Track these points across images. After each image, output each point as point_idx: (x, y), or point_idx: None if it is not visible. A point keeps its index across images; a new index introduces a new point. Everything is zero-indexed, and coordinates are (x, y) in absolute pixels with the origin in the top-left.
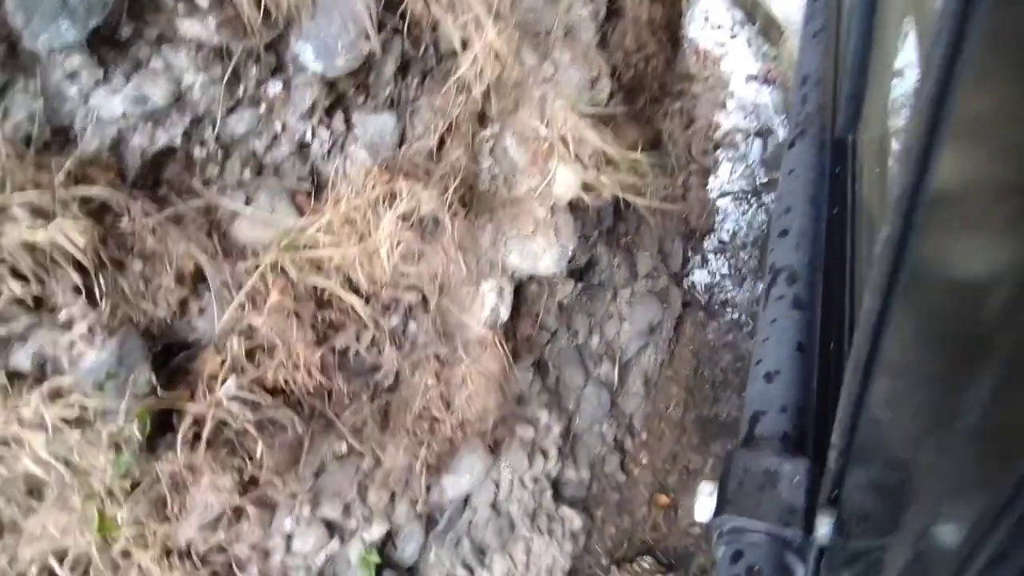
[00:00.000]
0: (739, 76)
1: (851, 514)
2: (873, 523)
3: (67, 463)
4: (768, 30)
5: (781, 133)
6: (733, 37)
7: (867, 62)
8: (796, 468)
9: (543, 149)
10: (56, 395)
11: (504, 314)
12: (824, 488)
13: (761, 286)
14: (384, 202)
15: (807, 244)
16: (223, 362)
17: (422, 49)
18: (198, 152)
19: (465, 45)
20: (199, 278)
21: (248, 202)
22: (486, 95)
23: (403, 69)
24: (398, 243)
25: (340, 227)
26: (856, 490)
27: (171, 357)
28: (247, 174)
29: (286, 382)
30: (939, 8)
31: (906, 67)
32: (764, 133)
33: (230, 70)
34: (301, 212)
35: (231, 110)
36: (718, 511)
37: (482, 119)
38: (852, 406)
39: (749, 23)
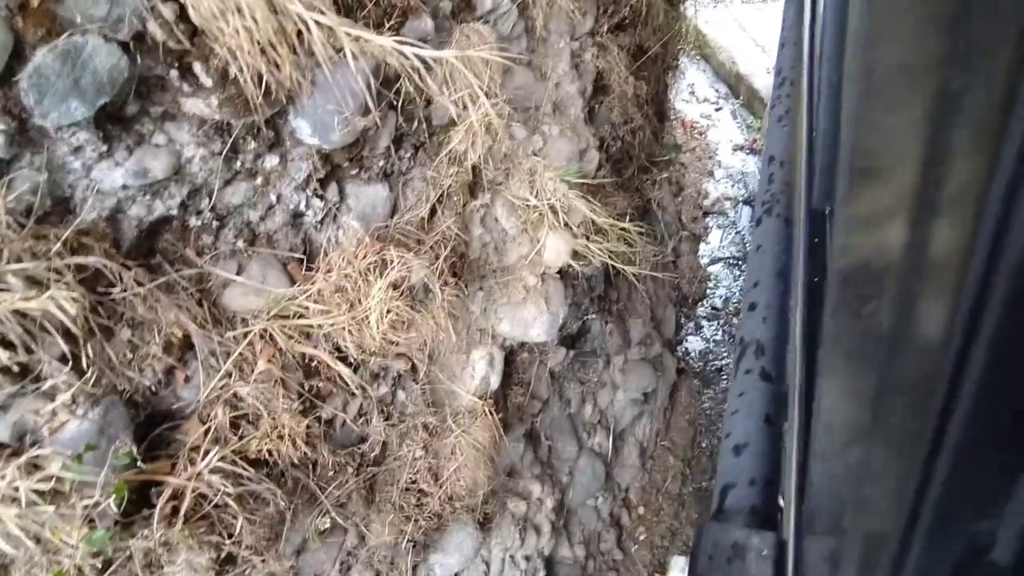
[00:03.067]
0: (726, 146)
1: None
2: None
3: (37, 539)
4: (751, 103)
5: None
6: (718, 110)
7: (839, 133)
8: (764, 541)
9: (533, 218)
10: (33, 467)
11: (495, 383)
12: (789, 560)
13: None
14: (375, 271)
15: (774, 318)
16: (207, 432)
17: (415, 124)
18: (194, 222)
19: (456, 120)
20: (187, 346)
21: (240, 271)
22: (477, 167)
23: (397, 142)
24: (388, 311)
25: (331, 296)
26: (816, 562)
27: (154, 427)
28: (240, 243)
29: (270, 453)
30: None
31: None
32: (751, 201)
33: (229, 144)
34: (293, 280)
35: (228, 182)
36: None
37: (473, 189)
38: (797, 478)
39: (733, 96)
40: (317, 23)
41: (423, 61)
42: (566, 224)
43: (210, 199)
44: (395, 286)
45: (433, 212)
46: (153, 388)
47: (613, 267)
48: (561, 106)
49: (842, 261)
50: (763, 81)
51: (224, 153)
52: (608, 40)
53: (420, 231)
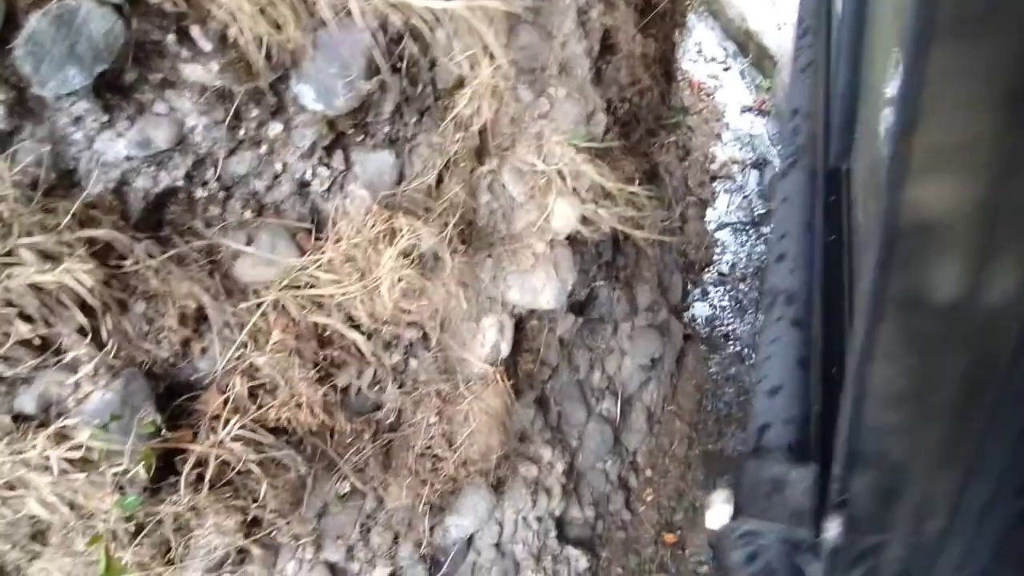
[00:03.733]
0: (734, 108)
1: (858, 515)
2: (876, 523)
3: (72, 506)
4: (761, 62)
5: (777, 163)
6: (726, 69)
7: (856, 93)
8: (803, 474)
9: (541, 184)
10: (62, 437)
11: (505, 350)
12: (831, 492)
13: (762, 317)
14: (384, 239)
15: (803, 267)
16: (226, 402)
17: (420, 87)
18: (200, 193)
19: (462, 83)
20: (201, 318)
21: (249, 242)
22: (483, 132)
23: (402, 107)
24: (399, 280)
25: (341, 265)
26: (861, 493)
27: (174, 398)
28: (248, 214)
29: (288, 421)
30: (903, 43)
31: (894, 97)
32: (760, 164)
33: (232, 112)
34: (302, 251)
35: (232, 151)
36: (733, 516)
37: (480, 155)
38: (852, 419)
39: (742, 55)
40: None
41: (432, 13)
42: (574, 189)
43: (215, 169)
44: (405, 254)
45: (440, 179)
46: (171, 360)
47: (622, 233)
48: (567, 67)
49: (892, 216)
50: (773, 38)
51: (227, 121)
52: None
53: (428, 198)
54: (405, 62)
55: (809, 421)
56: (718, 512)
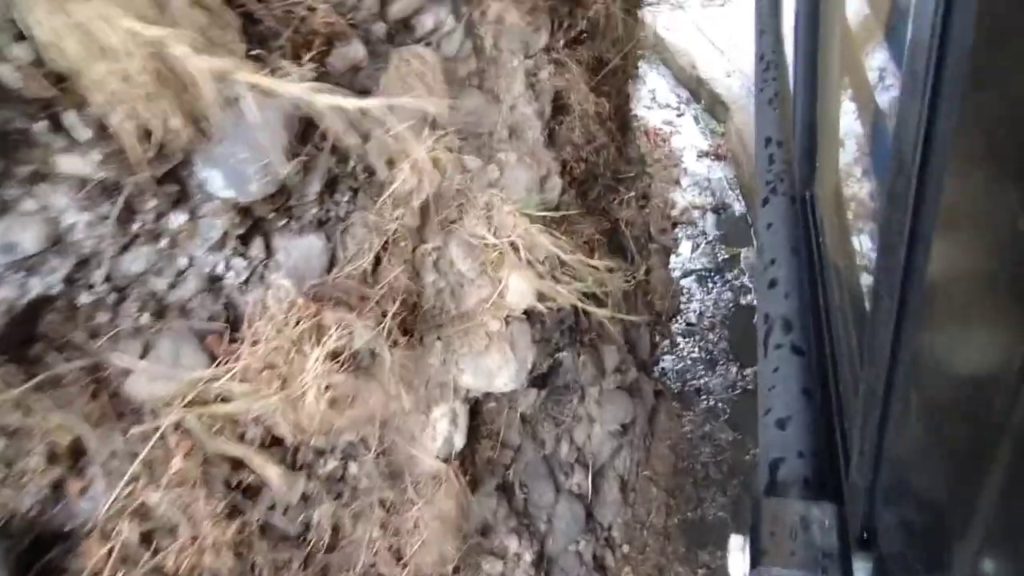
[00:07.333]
0: (690, 153)
1: (888, 555)
2: (912, 563)
3: None
4: (713, 107)
5: (736, 207)
6: (680, 115)
7: (815, 121)
8: (824, 512)
9: (492, 258)
10: None
11: (459, 442)
12: (853, 530)
13: (735, 369)
14: (310, 339)
15: (796, 293)
16: (110, 552)
17: (351, 164)
18: (84, 298)
19: (398, 159)
20: (80, 451)
21: (146, 352)
22: (426, 206)
23: (331, 185)
24: (326, 387)
25: (258, 373)
26: (889, 530)
27: (42, 554)
28: (145, 318)
29: (192, 570)
30: (901, 110)
31: (848, 126)
32: (719, 208)
33: (121, 205)
34: (213, 356)
35: (125, 247)
36: (754, 563)
37: (423, 232)
38: (874, 450)
39: (695, 101)
40: (206, 69)
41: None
42: (529, 262)
43: (103, 269)
44: (335, 355)
45: (378, 261)
46: (36, 509)
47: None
48: (518, 130)
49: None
50: (724, 84)
51: (116, 215)
52: (565, 56)
53: (363, 284)
54: (331, 140)
55: (822, 454)
56: (736, 560)
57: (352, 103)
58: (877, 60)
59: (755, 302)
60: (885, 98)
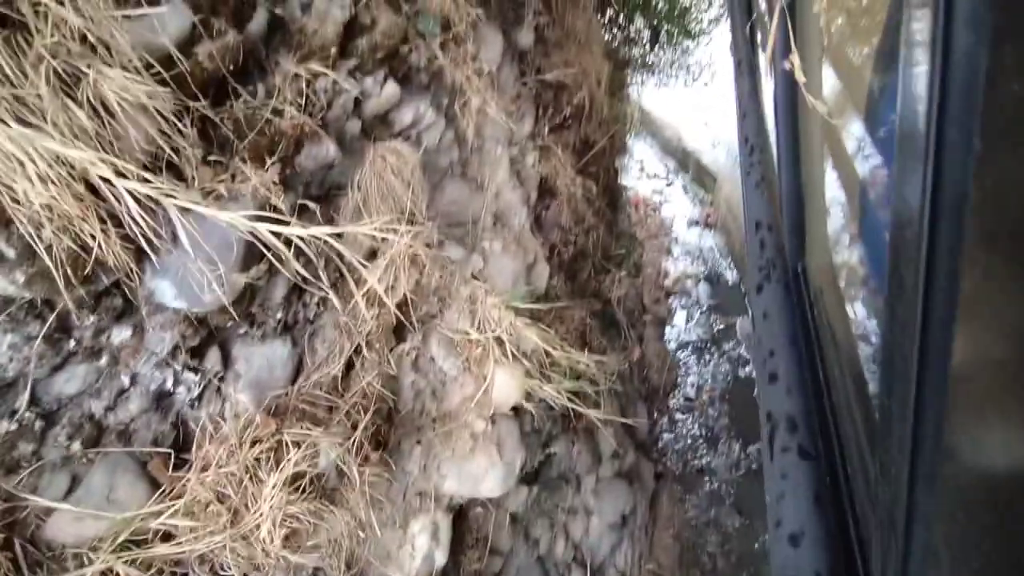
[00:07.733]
0: (681, 221)
1: None
2: None
3: None
4: (701, 177)
5: (729, 276)
6: (669, 184)
7: (801, 193)
8: None
9: (476, 354)
10: None
11: (441, 559)
12: None
13: (737, 447)
14: (268, 462)
15: (798, 388)
16: None
17: (321, 264)
18: (4, 427)
19: (375, 253)
20: None
21: (73, 485)
22: (403, 304)
23: (298, 287)
24: (284, 520)
25: (205, 507)
26: None
27: None
28: (76, 445)
29: None
30: (918, 205)
31: (832, 195)
32: (712, 278)
33: (53, 324)
34: (156, 485)
35: (57, 368)
36: None
37: (400, 331)
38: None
39: (683, 171)
40: (131, 193)
41: (290, 238)
42: (514, 357)
43: (28, 394)
44: (296, 478)
45: (350, 366)
46: None
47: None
48: (503, 217)
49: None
50: (710, 155)
51: (47, 335)
52: (550, 141)
53: (333, 393)
54: (296, 241)
55: (840, 574)
56: None
57: (292, 231)
58: (856, 130)
59: (753, 374)
60: (867, 168)
